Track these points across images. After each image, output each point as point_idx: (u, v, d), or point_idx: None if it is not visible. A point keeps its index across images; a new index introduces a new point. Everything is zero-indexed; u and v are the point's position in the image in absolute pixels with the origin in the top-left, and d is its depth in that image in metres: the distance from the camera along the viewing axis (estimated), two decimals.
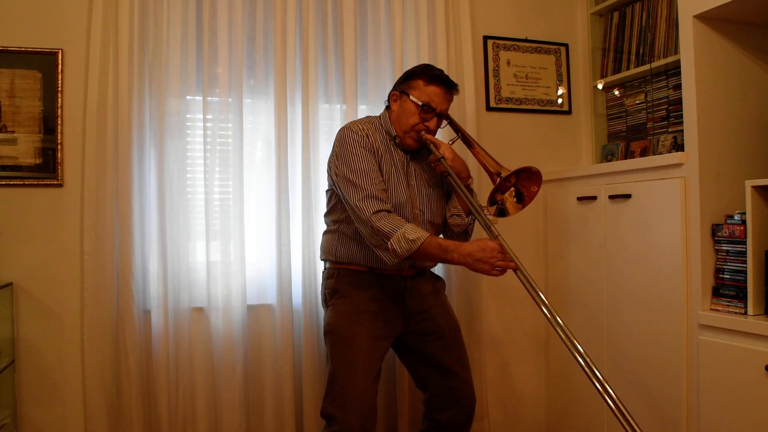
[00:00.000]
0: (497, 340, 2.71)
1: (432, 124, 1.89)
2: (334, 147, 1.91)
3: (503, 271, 1.68)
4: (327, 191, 2.02)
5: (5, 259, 2.12)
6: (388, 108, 1.98)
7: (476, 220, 1.92)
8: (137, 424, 2.15)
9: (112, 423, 2.15)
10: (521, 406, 2.74)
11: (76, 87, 2.19)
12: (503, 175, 1.75)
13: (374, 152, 1.86)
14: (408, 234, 1.69)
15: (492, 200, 1.80)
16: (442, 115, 1.92)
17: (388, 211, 1.76)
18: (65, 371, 2.17)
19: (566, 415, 2.63)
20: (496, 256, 1.65)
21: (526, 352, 2.76)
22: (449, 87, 1.90)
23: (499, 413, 2.69)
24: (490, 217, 1.79)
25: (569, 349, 1.52)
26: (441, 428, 1.98)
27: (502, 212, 1.81)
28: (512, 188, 1.81)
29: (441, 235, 2.08)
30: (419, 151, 1.97)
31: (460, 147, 2.00)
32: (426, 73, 1.89)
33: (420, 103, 1.86)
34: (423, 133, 1.87)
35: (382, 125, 1.96)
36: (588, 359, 1.50)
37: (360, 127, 1.89)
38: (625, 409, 1.46)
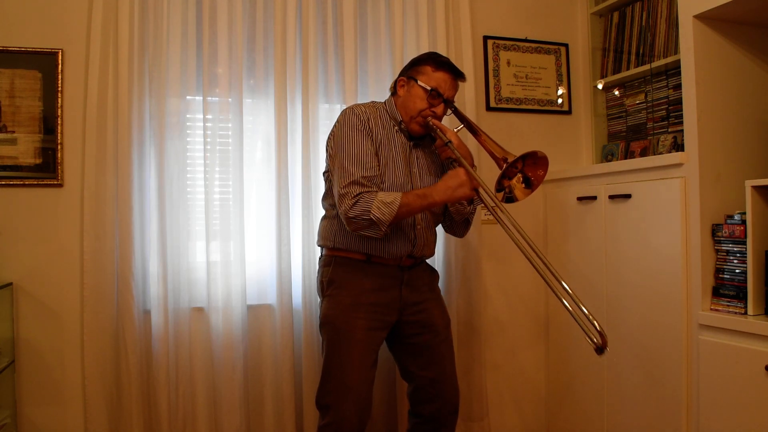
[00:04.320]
0: (499, 326, 2.72)
1: (439, 109, 1.91)
2: (334, 126, 1.93)
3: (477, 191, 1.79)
4: (324, 173, 2.02)
5: (5, 259, 2.12)
6: (393, 94, 1.99)
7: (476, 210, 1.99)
8: (137, 424, 2.15)
9: (112, 423, 2.15)
10: (522, 401, 2.75)
11: (76, 87, 2.19)
12: (510, 160, 1.75)
13: (372, 137, 1.87)
14: (384, 199, 1.75)
15: (499, 186, 1.80)
16: (449, 102, 1.93)
17: (369, 193, 1.77)
18: (65, 371, 2.17)
19: (566, 410, 2.64)
20: (468, 178, 1.76)
21: (527, 340, 2.77)
22: (456, 74, 1.93)
23: (499, 410, 2.69)
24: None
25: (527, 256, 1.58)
26: (426, 422, 2.00)
27: (509, 199, 1.81)
28: (519, 174, 1.81)
29: (441, 225, 2.11)
30: (423, 138, 1.99)
31: (462, 136, 2.00)
32: (434, 60, 1.92)
33: (428, 88, 1.88)
34: (430, 118, 1.89)
35: (387, 110, 1.97)
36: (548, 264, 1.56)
37: (362, 110, 1.90)
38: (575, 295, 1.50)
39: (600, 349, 1.42)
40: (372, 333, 1.88)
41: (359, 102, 2.40)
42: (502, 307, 2.73)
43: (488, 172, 2.27)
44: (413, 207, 1.78)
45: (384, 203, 1.74)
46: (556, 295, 1.53)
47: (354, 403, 1.81)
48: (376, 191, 1.79)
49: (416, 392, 2.00)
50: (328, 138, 1.95)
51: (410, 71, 1.94)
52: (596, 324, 1.42)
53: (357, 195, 1.76)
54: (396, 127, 1.94)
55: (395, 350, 2.06)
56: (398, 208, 1.74)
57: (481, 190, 1.75)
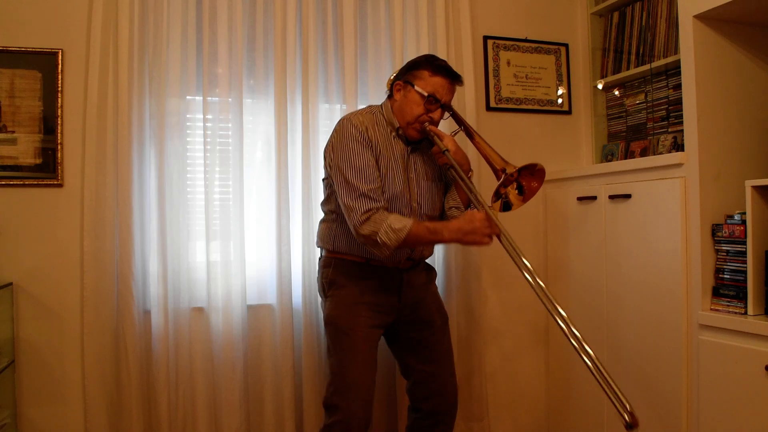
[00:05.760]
0: (498, 332, 2.72)
1: (436, 115, 1.89)
2: (331, 137, 1.91)
3: (492, 238, 1.74)
4: (323, 180, 2.02)
5: (5, 259, 2.12)
6: (390, 97, 1.97)
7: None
8: (137, 424, 2.15)
9: (112, 423, 2.15)
10: (521, 400, 2.75)
11: (76, 87, 2.19)
12: (508, 171, 1.75)
13: (372, 147, 1.85)
14: (393, 224, 1.73)
15: (497, 195, 1.81)
16: (446, 107, 1.92)
17: (378, 209, 1.77)
18: (65, 371, 2.17)
19: (566, 409, 2.63)
20: (484, 225, 1.70)
21: (526, 347, 2.76)
22: (454, 78, 1.91)
23: (499, 409, 2.69)
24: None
25: (549, 310, 1.59)
26: (425, 417, 2.01)
27: (506, 206, 1.82)
28: (514, 182, 1.82)
29: None
30: (420, 142, 1.97)
31: (459, 139, 2.00)
32: (431, 64, 1.89)
33: (425, 94, 1.86)
34: (426, 124, 1.88)
35: (383, 116, 1.95)
36: (568, 323, 1.54)
37: (360, 120, 1.88)
38: (606, 372, 1.50)
39: (630, 427, 1.39)
40: (372, 330, 1.90)
41: (359, 103, 2.42)
42: (501, 312, 2.72)
43: (486, 176, 2.26)
44: (422, 239, 1.78)
45: (392, 229, 1.73)
46: (590, 369, 1.53)
47: (361, 401, 1.83)
48: (387, 211, 1.78)
49: (415, 387, 2.02)
50: (327, 148, 1.94)
51: (407, 75, 1.92)
52: (627, 403, 1.39)
53: (367, 211, 1.75)
54: (393, 133, 1.93)
55: (394, 347, 2.07)
56: (406, 236, 1.73)
57: (503, 238, 1.72)
